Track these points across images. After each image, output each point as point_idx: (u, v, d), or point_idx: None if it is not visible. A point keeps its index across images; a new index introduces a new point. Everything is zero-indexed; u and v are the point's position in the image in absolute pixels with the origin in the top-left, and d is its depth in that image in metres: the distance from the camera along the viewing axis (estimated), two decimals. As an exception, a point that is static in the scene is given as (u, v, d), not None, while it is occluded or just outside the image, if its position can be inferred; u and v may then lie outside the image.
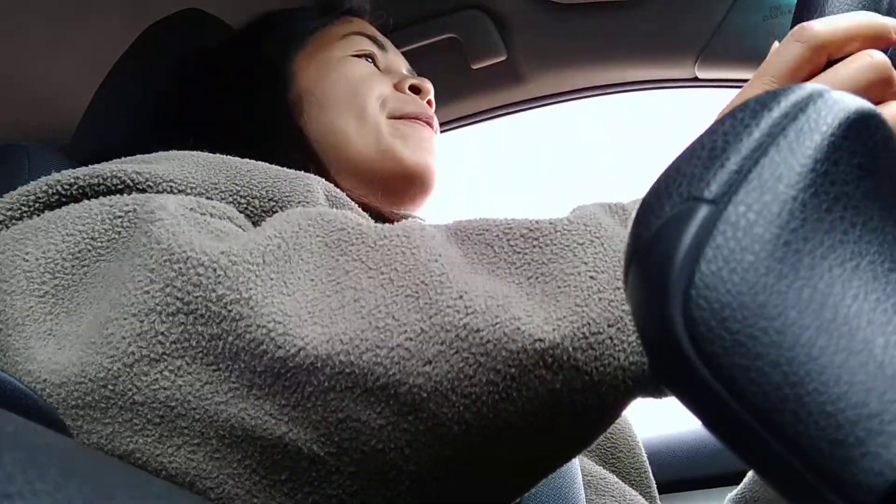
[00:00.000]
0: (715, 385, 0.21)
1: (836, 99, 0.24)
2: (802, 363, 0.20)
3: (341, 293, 0.31)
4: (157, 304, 0.31)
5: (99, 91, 0.73)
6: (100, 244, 0.36)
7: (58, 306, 0.34)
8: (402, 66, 0.75)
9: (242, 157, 0.47)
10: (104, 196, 0.39)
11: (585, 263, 0.31)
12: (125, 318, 0.31)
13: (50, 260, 0.35)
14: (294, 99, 0.66)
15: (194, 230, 0.33)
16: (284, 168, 0.47)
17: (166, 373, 0.30)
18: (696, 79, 1.04)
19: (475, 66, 1.12)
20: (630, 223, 0.32)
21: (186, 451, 0.30)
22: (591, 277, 0.30)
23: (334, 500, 0.31)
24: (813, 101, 0.24)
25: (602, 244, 0.32)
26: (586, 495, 0.57)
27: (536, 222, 0.33)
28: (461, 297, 0.30)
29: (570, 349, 0.29)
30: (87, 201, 0.38)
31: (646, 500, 0.65)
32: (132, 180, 0.40)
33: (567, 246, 0.32)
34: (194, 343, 0.30)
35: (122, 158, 0.45)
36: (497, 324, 0.29)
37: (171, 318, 0.30)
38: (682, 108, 1.24)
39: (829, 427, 0.20)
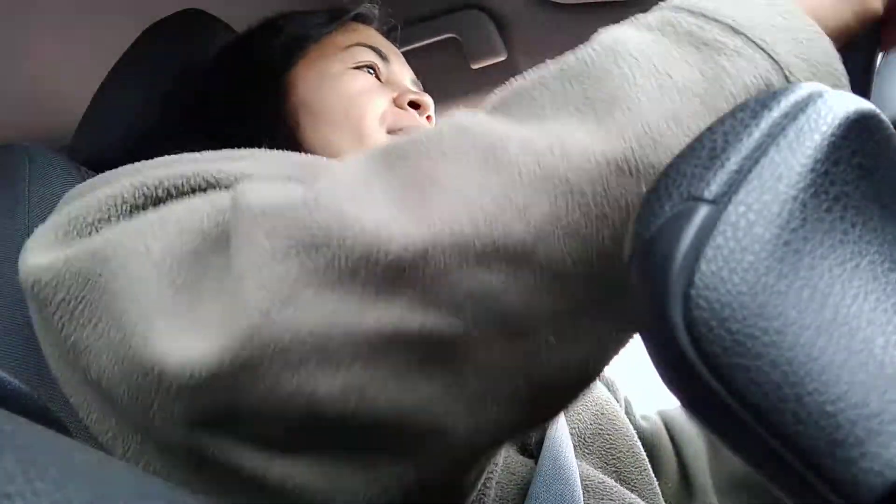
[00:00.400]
0: (715, 385, 0.21)
1: (836, 99, 0.24)
2: (802, 363, 0.20)
3: (419, 188, 0.32)
4: (267, 252, 0.32)
5: (99, 91, 0.73)
6: (211, 239, 0.37)
7: (194, 298, 0.35)
8: (407, 76, 0.74)
9: None
10: (191, 195, 0.41)
11: (624, 76, 0.32)
12: (244, 276, 0.32)
13: (175, 256, 0.36)
14: (291, 109, 0.66)
15: (275, 188, 0.35)
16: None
17: (300, 309, 0.31)
18: (696, 79, 1.04)
19: (475, 66, 1.12)
20: (652, 27, 0.34)
21: (344, 369, 0.32)
22: (634, 84, 0.32)
23: (486, 364, 0.32)
24: (813, 101, 0.24)
25: (632, 55, 0.33)
26: (585, 500, 0.57)
27: (565, 62, 0.35)
28: (525, 145, 0.32)
29: (639, 150, 0.30)
30: (188, 199, 0.40)
31: (649, 498, 0.65)
32: (215, 178, 0.41)
33: (601, 71, 0.33)
34: (314, 274, 0.32)
35: (197, 155, 0.45)
36: (567, 155, 0.31)
37: (285, 259, 0.32)
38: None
39: (828, 427, 0.20)
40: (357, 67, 0.69)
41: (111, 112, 0.71)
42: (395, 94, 0.69)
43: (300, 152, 0.64)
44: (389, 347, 0.32)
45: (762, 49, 0.31)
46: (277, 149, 0.64)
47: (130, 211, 0.40)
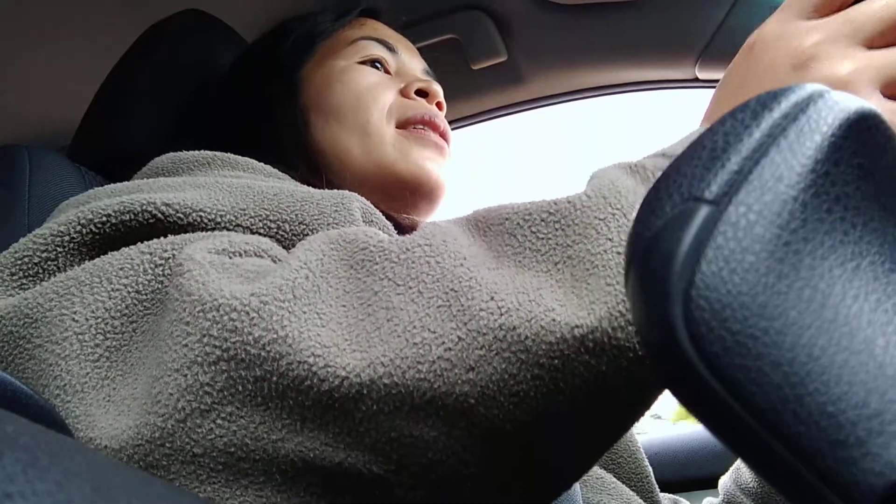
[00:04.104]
0: (715, 385, 0.21)
1: (836, 99, 0.24)
2: (803, 363, 0.20)
3: (374, 315, 0.31)
4: (198, 356, 0.31)
5: (100, 92, 0.73)
6: (145, 297, 0.36)
7: (112, 370, 0.34)
8: (417, 66, 0.73)
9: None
10: (137, 231, 0.40)
11: (610, 240, 0.31)
12: (169, 375, 0.31)
13: (99, 319, 0.35)
14: (301, 109, 0.66)
15: (223, 276, 0.34)
16: (311, 189, 0.47)
17: (219, 421, 0.30)
18: (696, 79, 1.04)
19: (476, 67, 1.12)
20: (650, 181, 0.32)
21: (254, 490, 0.31)
22: (618, 253, 0.30)
23: None
24: (814, 102, 0.24)
25: (624, 215, 0.31)
26: (582, 494, 0.57)
27: (555, 204, 0.33)
28: (492, 298, 0.30)
29: (609, 329, 0.29)
30: (126, 249, 0.38)
31: (650, 502, 0.64)
32: (162, 213, 0.40)
33: (589, 224, 0.31)
34: (241, 388, 0.30)
35: (146, 181, 0.45)
36: (532, 318, 0.29)
37: (213, 368, 0.31)
38: (682, 108, 1.24)
39: (829, 427, 0.20)
40: (363, 62, 0.68)
41: (111, 113, 0.71)
42: (402, 85, 0.68)
43: (310, 154, 0.65)
44: (306, 476, 0.31)
45: None
46: (290, 150, 0.65)
47: (77, 248, 0.40)
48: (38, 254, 0.39)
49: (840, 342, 0.21)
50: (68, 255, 0.40)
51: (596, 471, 0.61)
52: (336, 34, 0.71)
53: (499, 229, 0.34)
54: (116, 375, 0.34)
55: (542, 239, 0.32)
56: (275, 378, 0.30)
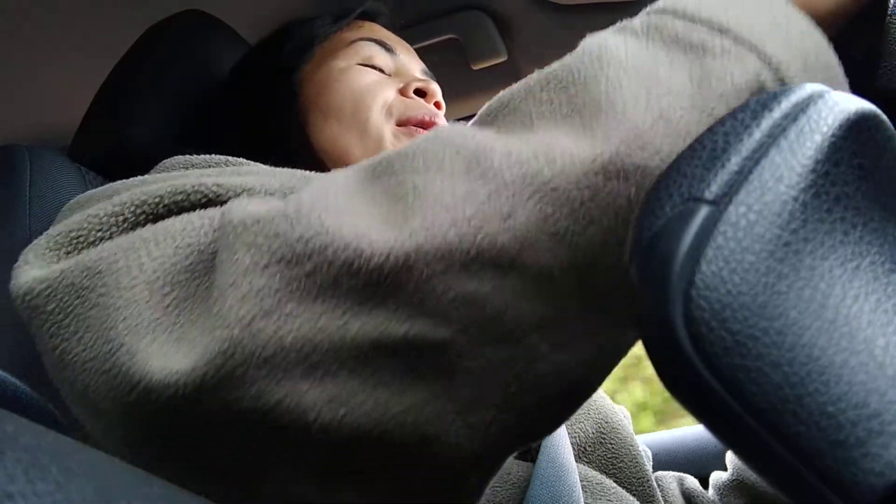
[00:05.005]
0: (715, 385, 0.21)
1: (836, 100, 0.24)
2: (803, 363, 0.20)
3: (403, 198, 0.32)
4: (248, 266, 0.32)
5: (100, 92, 0.73)
6: (206, 257, 0.37)
7: (182, 316, 0.35)
8: (416, 67, 0.74)
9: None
10: (191, 210, 0.40)
11: (610, 82, 0.32)
12: (226, 290, 0.32)
13: (167, 272, 0.36)
14: (301, 110, 0.67)
15: (260, 202, 0.35)
16: None
17: (282, 320, 0.31)
18: (696, 79, 1.04)
19: (476, 67, 1.12)
20: (638, 34, 0.34)
21: (330, 380, 0.32)
22: (620, 90, 0.31)
23: (475, 370, 0.32)
24: (814, 102, 0.24)
25: (619, 62, 0.33)
26: (584, 501, 0.57)
27: (551, 72, 0.35)
28: (509, 154, 0.31)
29: (629, 153, 0.30)
30: (186, 214, 0.39)
31: None
32: (214, 193, 0.41)
33: (586, 78, 0.33)
34: (295, 286, 0.31)
35: (191, 174, 0.45)
36: (552, 160, 0.30)
37: (265, 272, 0.32)
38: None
39: (829, 427, 0.20)
40: (362, 63, 0.69)
41: (112, 113, 0.71)
42: (401, 85, 0.68)
43: (312, 155, 0.65)
44: (375, 355, 0.32)
45: (751, 48, 0.31)
46: (292, 151, 0.65)
47: (131, 227, 0.40)
48: (93, 232, 0.40)
49: (840, 342, 0.21)
50: (122, 233, 0.40)
51: (596, 476, 0.61)
52: (335, 36, 0.71)
53: (504, 112, 0.35)
54: (186, 322, 0.35)
55: (546, 102, 0.34)
56: (325, 268, 0.31)
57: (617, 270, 0.32)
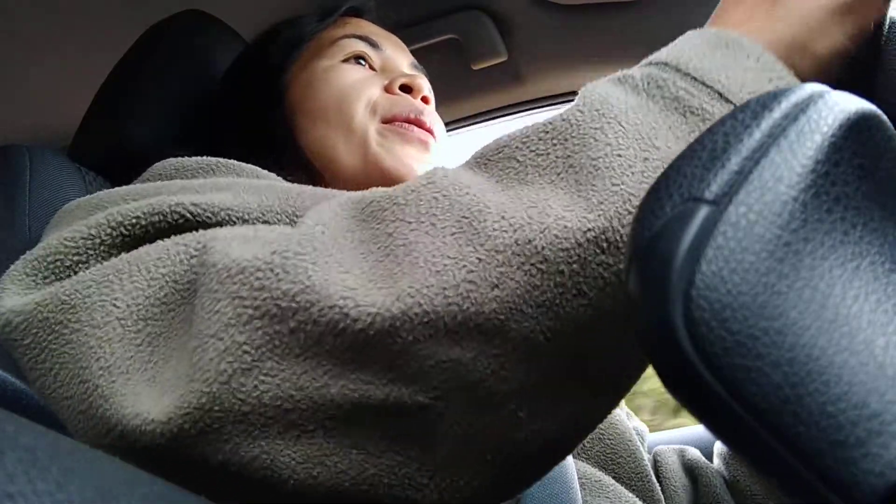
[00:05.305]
0: (715, 385, 0.21)
1: (836, 100, 0.24)
2: (803, 363, 0.20)
3: (393, 253, 0.32)
4: (231, 319, 0.31)
5: (100, 92, 0.73)
6: (181, 286, 0.36)
7: (155, 354, 0.35)
8: (403, 61, 0.72)
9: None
10: (167, 233, 0.40)
11: (609, 145, 0.32)
12: (206, 342, 0.32)
13: (140, 306, 0.36)
14: (287, 111, 0.66)
15: (244, 245, 0.34)
16: (330, 189, 0.48)
17: (262, 377, 0.31)
18: (696, 79, 1.04)
19: (476, 67, 1.12)
20: (639, 89, 0.33)
21: (306, 439, 0.31)
22: (618, 155, 0.31)
23: (452, 435, 0.32)
24: (814, 102, 0.24)
25: (619, 122, 0.32)
26: (581, 497, 0.57)
27: (550, 123, 0.34)
28: (503, 217, 0.31)
29: (621, 227, 0.30)
30: (161, 242, 0.39)
31: (650, 502, 0.64)
32: (192, 213, 0.41)
33: (586, 134, 0.32)
34: (277, 342, 0.31)
35: (164, 184, 0.45)
36: (545, 228, 0.30)
37: (248, 327, 0.31)
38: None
39: (829, 427, 0.20)
40: (346, 59, 0.68)
41: (112, 113, 0.71)
42: (386, 81, 0.67)
43: (300, 156, 0.64)
44: (354, 417, 0.31)
45: None
46: (280, 152, 0.64)
47: (108, 251, 0.40)
48: (69, 256, 0.40)
49: (840, 342, 0.21)
50: (99, 257, 0.40)
51: (594, 473, 0.61)
52: (320, 35, 0.70)
53: (498, 157, 0.34)
54: (159, 359, 0.34)
55: (542, 155, 0.33)
56: (309, 326, 0.30)
57: (604, 339, 0.31)
